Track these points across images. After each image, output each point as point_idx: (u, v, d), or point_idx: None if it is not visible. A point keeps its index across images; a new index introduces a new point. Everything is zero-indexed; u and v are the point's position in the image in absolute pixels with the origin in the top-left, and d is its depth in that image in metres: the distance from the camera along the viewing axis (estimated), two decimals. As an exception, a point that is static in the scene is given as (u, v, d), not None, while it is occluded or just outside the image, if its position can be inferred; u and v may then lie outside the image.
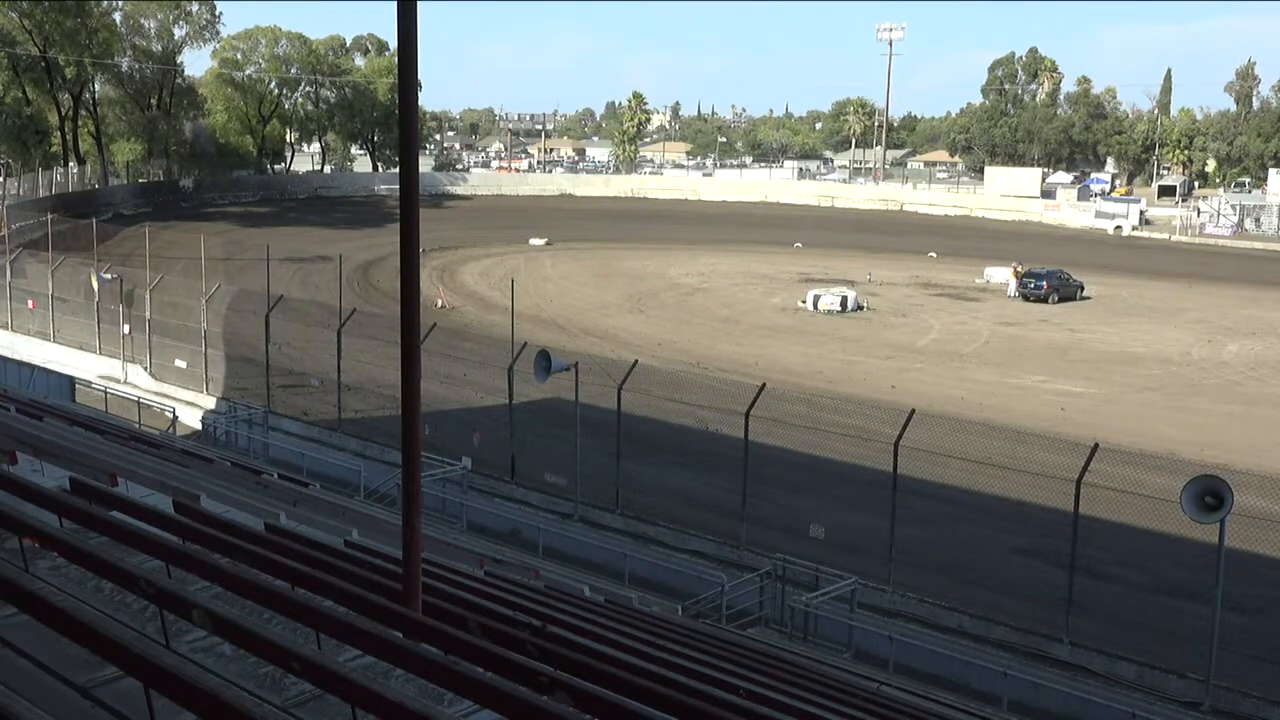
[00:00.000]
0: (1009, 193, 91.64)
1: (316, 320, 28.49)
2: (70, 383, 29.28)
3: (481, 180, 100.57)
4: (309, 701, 5.66)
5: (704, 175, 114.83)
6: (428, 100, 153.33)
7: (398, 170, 6.78)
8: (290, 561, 7.58)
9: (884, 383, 32.61)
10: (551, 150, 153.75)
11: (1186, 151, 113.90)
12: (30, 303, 34.13)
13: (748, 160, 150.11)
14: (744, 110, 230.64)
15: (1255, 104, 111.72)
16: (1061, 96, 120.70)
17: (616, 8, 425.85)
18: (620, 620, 10.11)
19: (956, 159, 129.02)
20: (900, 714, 9.52)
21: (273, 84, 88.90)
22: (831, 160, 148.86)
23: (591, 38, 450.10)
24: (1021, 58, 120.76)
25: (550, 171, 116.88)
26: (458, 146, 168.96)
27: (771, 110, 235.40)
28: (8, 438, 12.82)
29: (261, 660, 5.73)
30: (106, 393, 28.21)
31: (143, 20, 77.67)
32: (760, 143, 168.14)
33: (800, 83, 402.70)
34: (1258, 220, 79.47)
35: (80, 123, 75.45)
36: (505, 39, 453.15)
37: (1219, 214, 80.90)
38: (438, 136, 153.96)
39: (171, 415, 27.05)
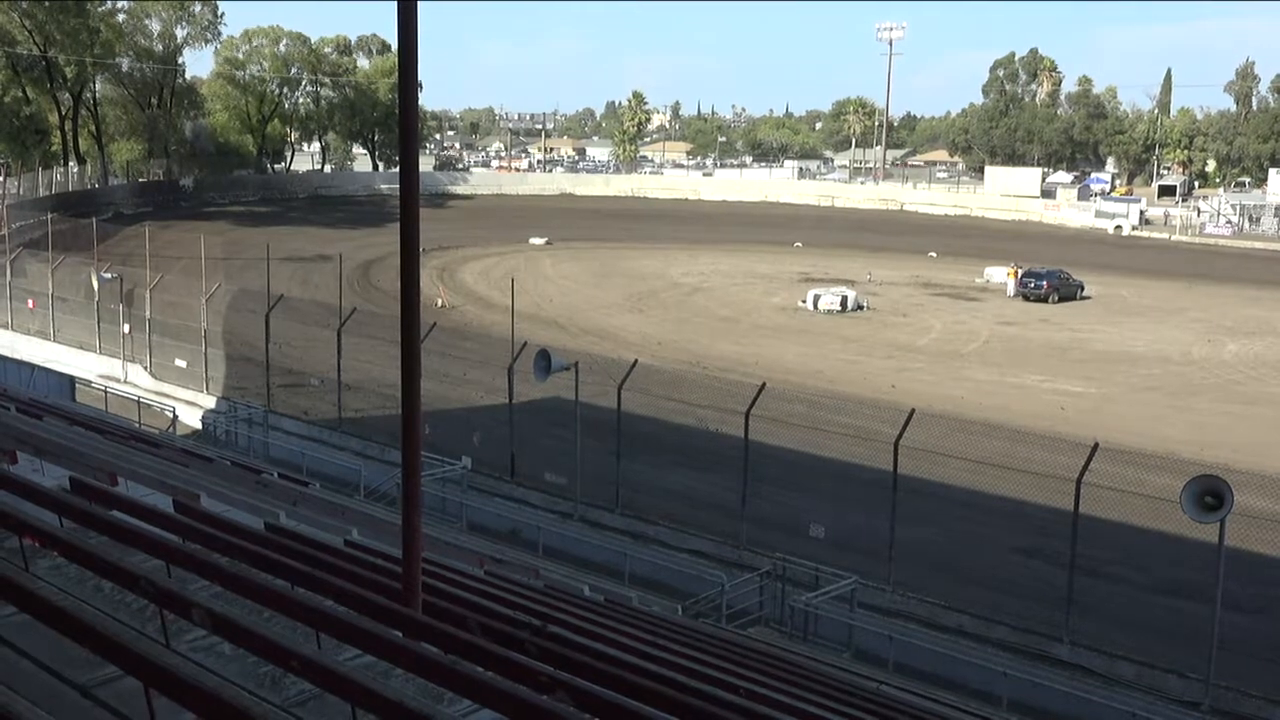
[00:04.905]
0: (1009, 192, 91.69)
1: (316, 320, 28.43)
2: (70, 382, 29.24)
3: (481, 180, 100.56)
4: (309, 701, 5.65)
5: (704, 175, 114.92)
6: (428, 100, 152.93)
7: (398, 169, 6.78)
8: (290, 561, 7.58)
9: (884, 382, 32.60)
10: (551, 150, 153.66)
11: (1186, 151, 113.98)
12: (30, 302, 34.11)
13: (748, 160, 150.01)
14: (744, 110, 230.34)
15: (1254, 104, 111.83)
16: (1062, 96, 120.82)
17: (616, 8, 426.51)
18: (620, 620, 10.11)
19: (956, 159, 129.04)
20: (900, 714, 9.51)
21: (274, 84, 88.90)
22: (831, 160, 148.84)
23: (591, 38, 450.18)
24: (1022, 58, 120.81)
25: (550, 171, 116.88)
26: (458, 146, 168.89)
27: (771, 110, 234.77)
28: (8, 437, 12.81)
29: (261, 660, 5.73)
30: (106, 392, 28.18)
31: (145, 20, 77.65)
32: (760, 142, 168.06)
33: (800, 83, 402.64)
34: (1258, 221, 79.49)
35: (80, 122, 75.41)
36: (505, 39, 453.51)
37: (1219, 214, 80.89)
38: (438, 136, 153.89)
39: (171, 415, 27.03)
